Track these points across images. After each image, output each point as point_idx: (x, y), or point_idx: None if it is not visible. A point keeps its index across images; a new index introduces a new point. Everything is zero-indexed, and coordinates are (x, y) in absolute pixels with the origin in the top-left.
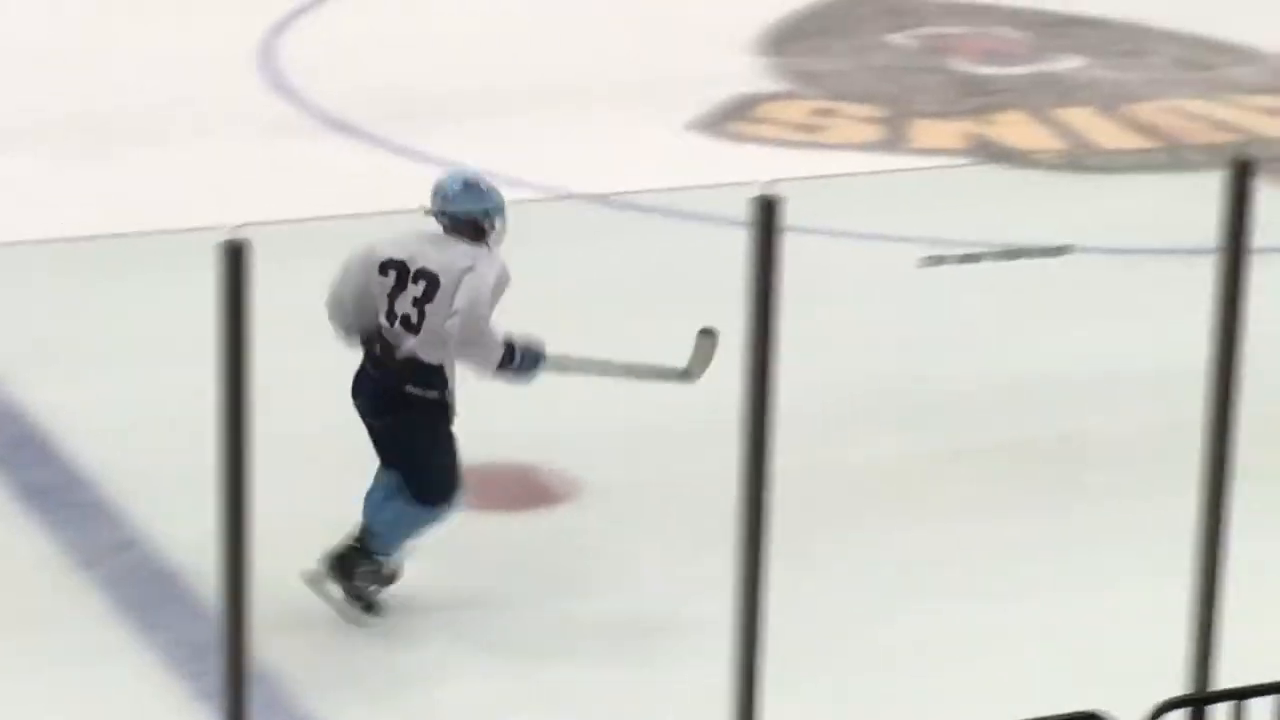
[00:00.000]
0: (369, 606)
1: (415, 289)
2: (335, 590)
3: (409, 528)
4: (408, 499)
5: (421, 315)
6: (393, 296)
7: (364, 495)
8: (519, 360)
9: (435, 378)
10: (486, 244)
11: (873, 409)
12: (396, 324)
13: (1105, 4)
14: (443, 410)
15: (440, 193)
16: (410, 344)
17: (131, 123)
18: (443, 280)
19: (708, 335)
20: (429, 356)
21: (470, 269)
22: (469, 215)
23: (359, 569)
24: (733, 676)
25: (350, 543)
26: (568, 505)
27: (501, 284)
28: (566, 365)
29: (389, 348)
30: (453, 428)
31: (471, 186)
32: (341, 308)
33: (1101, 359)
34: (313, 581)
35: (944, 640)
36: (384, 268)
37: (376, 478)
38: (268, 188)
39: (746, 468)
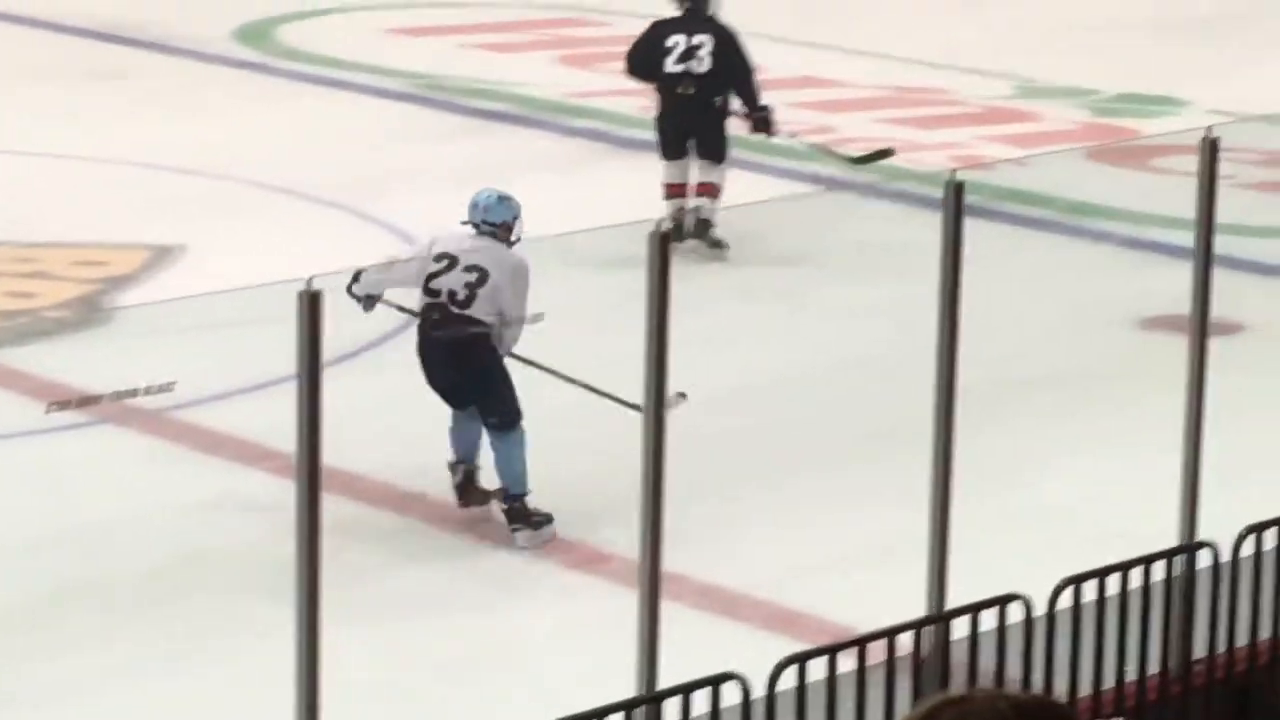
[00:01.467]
0: (542, 520)
1: (468, 275)
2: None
3: (518, 454)
4: (497, 435)
5: (472, 296)
6: (437, 277)
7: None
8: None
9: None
10: (510, 242)
11: None
12: (443, 297)
13: None
14: (496, 351)
15: (479, 205)
16: (467, 311)
17: None
18: (492, 273)
19: (680, 396)
20: (485, 315)
21: (515, 268)
22: (502, 220)
23: (521, 515)
24: None
25: (503, 509)
26: None
27: (528, 278)
28: (537, 365)
29: (446, 314)
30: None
31: (504, 199)
32: (381, 277)
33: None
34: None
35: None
36: (439, 258)
37: (455, 421)
38: None
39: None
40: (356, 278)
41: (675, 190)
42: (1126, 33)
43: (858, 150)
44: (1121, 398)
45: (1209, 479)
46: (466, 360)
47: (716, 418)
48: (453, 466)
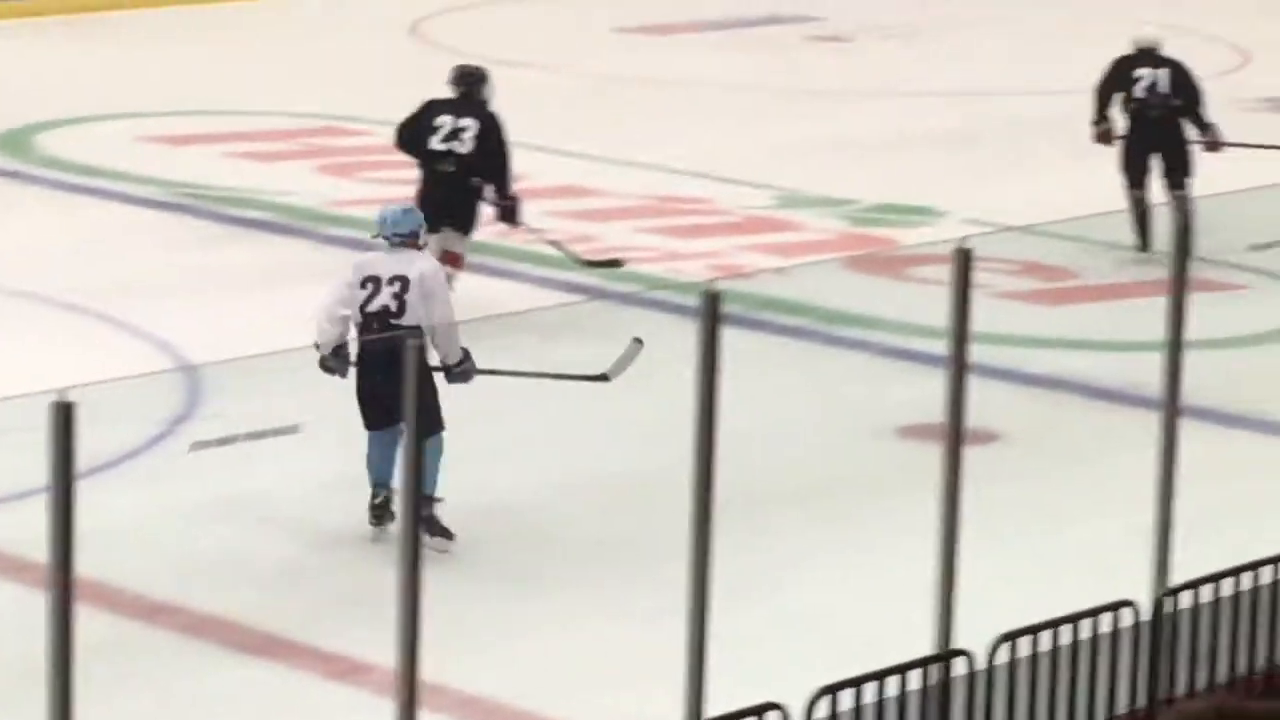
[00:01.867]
0: (446, 532)
1: (393, 287)
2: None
3: (433, 459)
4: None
5: (402, 305)
6: (368, 300)
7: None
8: (465, 362)
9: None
10: (419, 247)
11: None
12: (375, 320)
13: None
14: (427, 360)
15: (387, 220)
16: (401, 321)
17: None
18: (411, 278)
19: (637, 343)
20: (418, 321)
21: (430, 271)
22: (410, 229)
23: (430, 513)
24: None
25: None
26: None
27: (441, 275)
28: (499, 371)
29: (385, 327)
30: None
31: (408, 211)
32: (333, 326)
33: None
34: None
35: None
36: (364, 283)
37: (372, 445)
38: None
39: None
40: (316, 347)
41: None
42: (884, 144)
43: (594, 255)
44: (879, 506)
45: (965, 587)
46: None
47: (474, 528)
48: (374, 489)
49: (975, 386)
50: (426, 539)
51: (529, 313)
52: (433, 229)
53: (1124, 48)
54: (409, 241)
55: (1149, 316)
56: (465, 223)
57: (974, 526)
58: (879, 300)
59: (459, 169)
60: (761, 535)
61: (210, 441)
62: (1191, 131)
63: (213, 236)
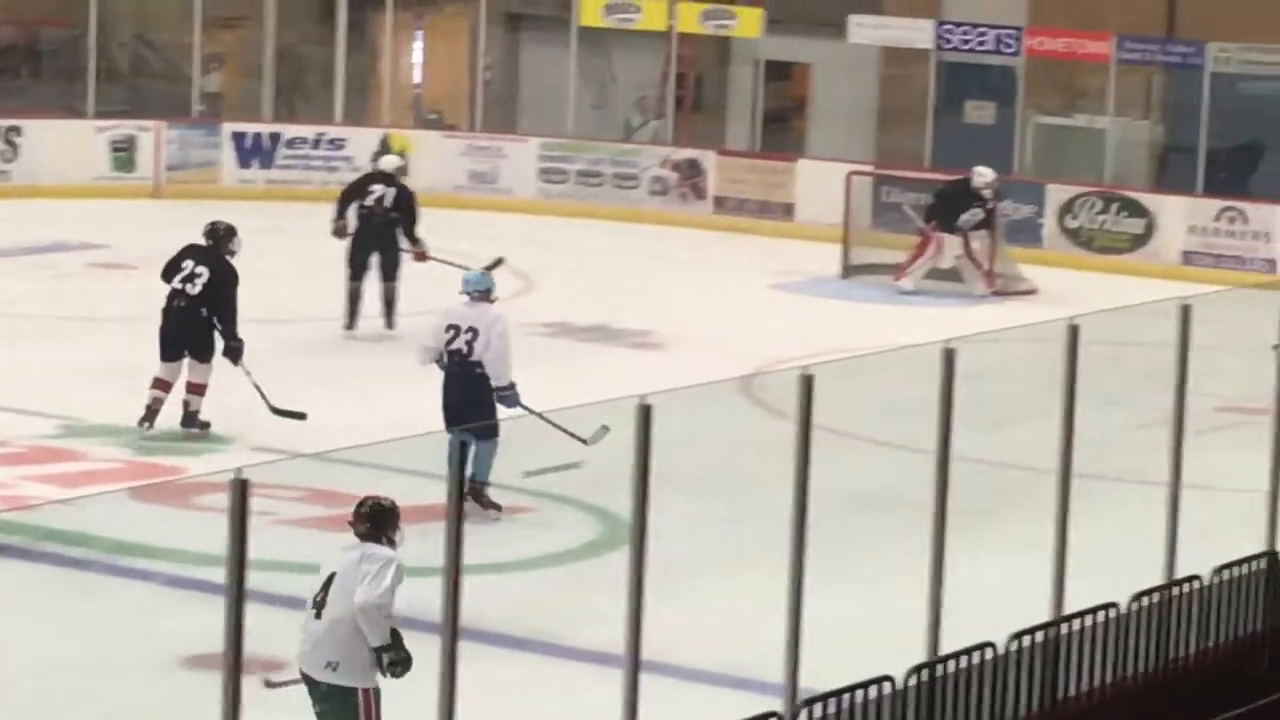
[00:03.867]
0: (496, 505)
1: (467, 335)
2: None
3: (487, 455)
4: (481, 441)
5: (470, 349)
6: (450, 341)
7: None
8: (513, 393)
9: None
10: (491, 300)
11: None
12: (455, 356)
13: None
14: (489, 384)
15: (469, 281)
16: (472, 359)
17: None
18: (480, 328)
19: (605, 429)
20: (481, 358)
21: (497, 318)
22: (485, 288)
23: (486, 493)
24: None
25: (472, 486)
26: None
27: (508, 325)
28: (530, 412)
29: (457, 364)
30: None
31: (483, 274)
32: (427, 354)
33: None
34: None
35: None
36: (448, 329)
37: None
38: None
39: None
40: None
41: (161, 385)
42: None
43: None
44: None
45: None
46: (469, 390)
47: None
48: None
49: (253, 614)
50: (480, 510)
51: None
52: (174, 358)
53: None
54: (483, 297)
55: (436, 540)
56: (202, 352)
57: None
58: (165, 529)
59: (188, 307)
60: None
61: None
62: (404, 242)
63: None
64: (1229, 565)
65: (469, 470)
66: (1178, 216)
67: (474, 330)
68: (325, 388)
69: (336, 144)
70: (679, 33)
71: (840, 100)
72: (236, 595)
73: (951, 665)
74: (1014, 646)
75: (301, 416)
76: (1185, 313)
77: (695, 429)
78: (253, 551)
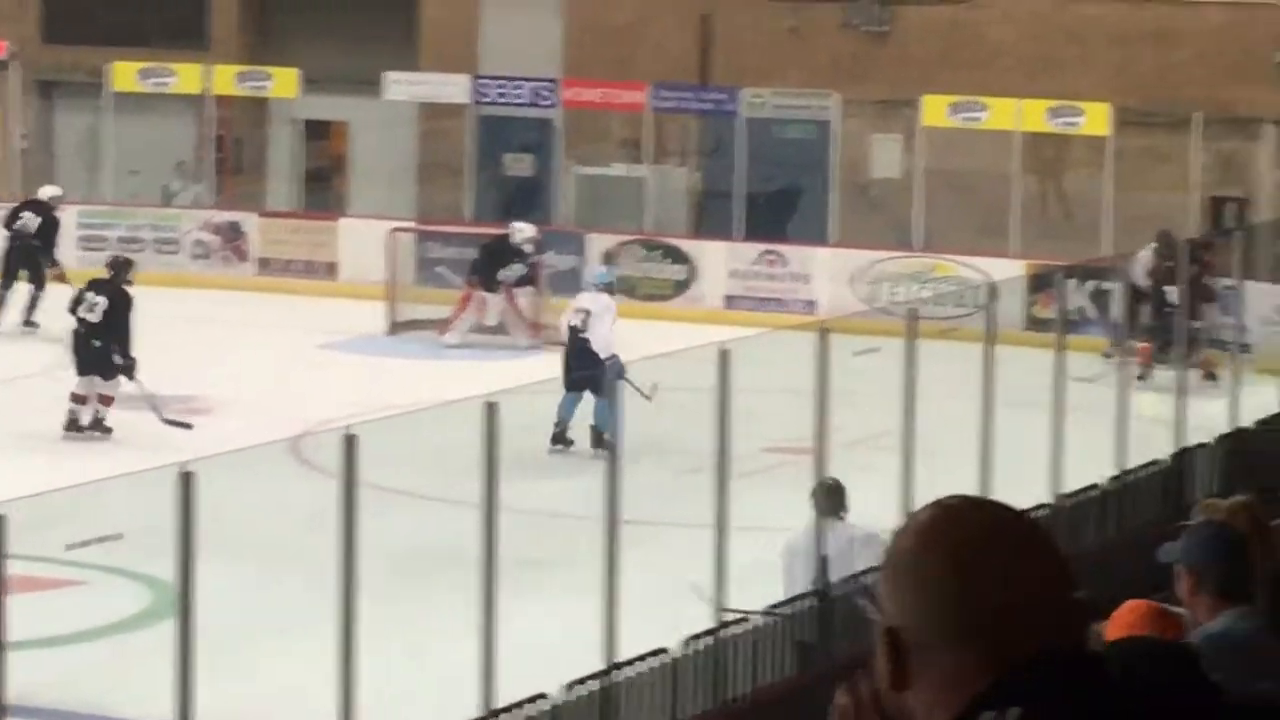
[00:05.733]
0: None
1: (581, 314)
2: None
3: (606, 408)
4: (598, 397)
5: (585, 325)
6: (573, 317)
7: (560, 407)
8: (616, 362)
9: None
10: (609, 291)
11: None
12: (574, 327)
13: None
14: (599, 354)
15: (594, 276)
16: (584, 335)
17: None
18: (593, 311)
19: (655, 386)
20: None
21: (607, 306)
22: (606, 281)
23: (602, 441)
24: None
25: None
26: None
27: (614, 310)
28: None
29: (573, 337)
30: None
31: (605, 270)
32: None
33: None
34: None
35: None
36: (576, 311)
37: (564, 399)
38: None
39: None
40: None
41: (77, 398)
42: None
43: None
44: None
45: None
46: (583, 358)
47: None
48: (558, 423)
49: None
50: (594, 452)
51: None
52: (83, 373)
53: None
54: (602, 288)
55: None
56: (103, 370)
57: None
58: None
59: (87, 332)
60: None
61: None
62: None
63: None
64: (783, 603)
65: (591, 420)
66: (718, 261)
67: (585, 311)
68: None
69: None
70: (216, 95)
71: (380, 157)
72: None
73: (505, 719)
74: (569, 696)
75: (188, 427)
76: (724, 357)
77: (244, 493)
78: None
